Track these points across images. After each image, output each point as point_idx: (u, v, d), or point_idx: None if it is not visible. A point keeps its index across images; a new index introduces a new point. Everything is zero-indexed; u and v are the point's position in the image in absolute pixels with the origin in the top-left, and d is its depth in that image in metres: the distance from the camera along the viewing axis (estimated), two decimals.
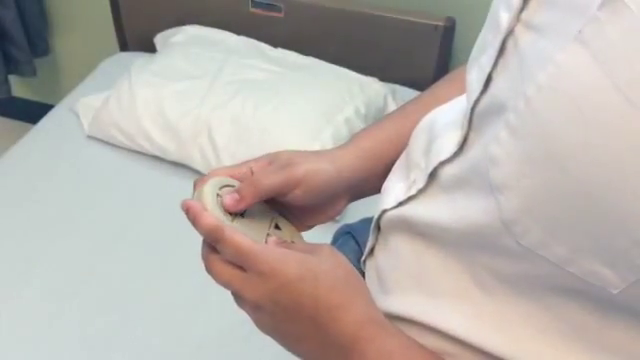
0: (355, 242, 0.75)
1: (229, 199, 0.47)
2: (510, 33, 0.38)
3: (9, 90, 1.81)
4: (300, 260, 0.44)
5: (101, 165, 1.42)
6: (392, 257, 0.50)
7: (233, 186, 0.50)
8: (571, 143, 0.31)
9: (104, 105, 1.43)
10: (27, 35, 1.78)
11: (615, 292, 0.32)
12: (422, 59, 1.56)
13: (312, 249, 0.46)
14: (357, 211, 0.53)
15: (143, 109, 1.38)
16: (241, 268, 0.44)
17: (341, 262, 0.46)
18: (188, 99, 1.38)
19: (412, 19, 1.52)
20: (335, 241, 0.79)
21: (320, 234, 0.63)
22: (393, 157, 0.56)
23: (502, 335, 0.40)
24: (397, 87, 1.54)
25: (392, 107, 1.45)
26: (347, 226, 0.79)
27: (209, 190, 0.48)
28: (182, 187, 1.34)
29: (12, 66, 1.80)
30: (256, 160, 0.52)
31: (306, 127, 1.32)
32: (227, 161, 1.34)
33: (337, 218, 0.57)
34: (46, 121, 1.54)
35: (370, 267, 0.55)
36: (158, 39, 1.67)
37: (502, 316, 0.40)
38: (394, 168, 0.55)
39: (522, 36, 0.37)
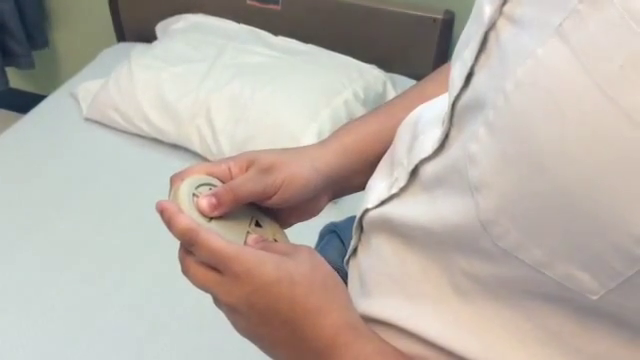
0: (340, 241, 0.74)
1: (206, 203, 0.46)
2: (492, 26, 0.37)
3: (7, 82, 1.80)
4: (276, 262, 0.43)
5: (99, 147, 1.42)
6: (373, 258, 0.49)
7: (211, 184, 0.49)
8: (548, 140, 0.30)
9: (103, 87, 1.43)
10: (25, 28, 1.78)
11: (594, 298, 0.31)
12: (421, 52, 1.56)
13: (291, 250, 0.45)
14: (347, 207, 0.52)
15: (142, 91, 1.38)
16: (217, 270, 0.43)
17: (319, 265, 0.45)
18: (187, 81, 1.38)
19: (411, 12, 1.52)
20: (321, 239, 0.78)
21: (306, 231, 0.63)
22: (377, 153, 0.55)
23: (480, 341, 0.39)
24: (396, 76, 1.54)
25: (391, 93, 1.45)
26: (333, 224, 0.78)
27: (185, 190, 0.47)
28: (179, 169, 1.35)
29: (10, 59, 1.80)
30: (235, 160, 0.51)
31: (304, 108, 1.32)
32: (225, 143, 1.33)
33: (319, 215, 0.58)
34: (44, 105, 1.54)
35: (353, 268, 0.54)
36: (159, 27, 1.67)
37: (480, 322, 0.39)
38: (379, 165, 0.53)
39: (504, 30, 0.36)
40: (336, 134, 0.58)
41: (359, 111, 1.35)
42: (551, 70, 0.30)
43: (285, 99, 1.33)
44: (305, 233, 0.64)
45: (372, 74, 1.44)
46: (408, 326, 0.43)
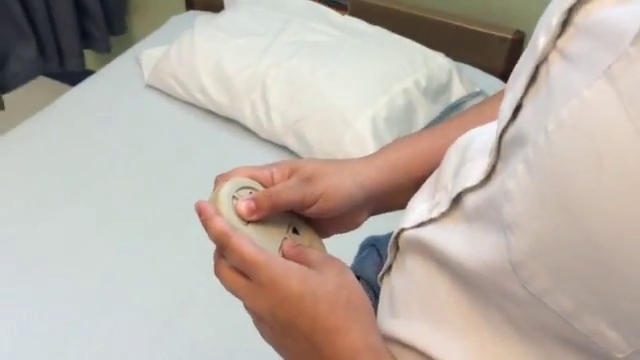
0: (378, 255, 0.74)
1: (244, 207, 0.47)
2: (545, 59, 0.36)
3: (83, 64, 1.87)
4: (302, 276, 0.43)
5: (155, 114, 1.43)
6: (406, 279, 0.49)
7: (252, 188, 0.50)
8: (584, 188, 0.28)
9: (165, 55, 1.44)
10: (105, 14, 1.86)
11: (620, 357, 0.30)
12: (487, 71, 1.53)
13: (322, 262, 0.46)
14: (392, 222, 0.53)
15: (201, 61, 1.38)
16: (246, 277, 0.44)
17: (346, 283, 0.45)
18: (246, 55, 1.36)
19: (480, 29, 1.49)
20: (361, 251, 0.78)
21: (347, 241, 0.63)
22: (424, 173, 0.54)
23: None
24: (464, 66, 1.47)
25: (457, 85, 1.38)
26: (373, 238, 0.77)
27: (226, 192, 0.48)
28: (231, 142, 1.36)
29: (88, 41, 1.88)
30: (278, 166, 0.52)
31: (360, 93, 1.28)
32: (277, 120, 1.31)
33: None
34: (109, 68, 1.57)
35: (385, 285, 0.53)
36: None
37: (504, 356, 0.38)
38: (424, 185, 0.52)
39: (554, 64, 0.35)
40: (384, 149, 0.58)
41: (419, 101, 1.31)
42: (595, 114, 0.29)
43: (342, 82, 1.29)
44: (346, 243, 0.63)
45: (437, 62, 1.37)
46: (430, 351, 0.43)
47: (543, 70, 0.36)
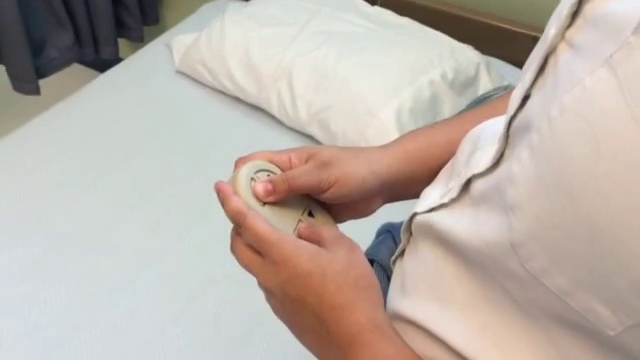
0: (393, 241, 0.75)
1: (261, 188, 0.49)
2: (553, 50, 0.37)
3: (117, 52, 1.92)
4: (312, 255, 0.45)
5: (184, 100, 1.45)
6: (417, 261, 0.50)
7: (270, 171, 0.52)
8: (582, 170, 0.30)
9: (195, 42, 1.46)
10: (140, 4, 1.91)
11: (612, 334, 0.31)
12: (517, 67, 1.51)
13: (333, 241, 0.47)
14: (407, 209, 0.54)
15: (230, 49, 1.40)
16: (260, 254, 0.46)
17: (355, 262, 0.47)
18: (274, 44, 1.38)
19: (511, 27, 1.49)
20: (377, 237, 0.80)
21: (364, 228, 0.65)
22: (438, 163, 0.55)
23: (500, 353, 0.39)
24: (494, 60, 1.45)
25: (485, 78, 1.37)
26: (389, 224, 0.80)
27: (244, 174, 0.50)
28: (256, 130, 1.37)
29: (122, 30, 1.92)
30: (296, 151, 0.54)
31: (386, 84, 1.28)
32: (302, 109, 1.32)
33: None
34: (141, 54, 1.60)
35: (397, 268, 0.55)
36: None
37: (504, 334, 0.39)
38: (439, 174, 0.53)
39: (562, 54, 0.36)
40: (401, 139, 0.59)
41: (445, 93, 1.30)
42: (595, 100, 0.30)
43: (367, 72, 1.30)
44: (364, 230, 0.65)
45: (466, 55, 1.37)
46: (434, 328, 0.44)
47: (552, 60, 0.37)
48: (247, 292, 1.03)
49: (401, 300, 0.49)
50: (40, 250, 1.11)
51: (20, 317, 1.00)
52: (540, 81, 0.38)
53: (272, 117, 1.39)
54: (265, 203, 0.50)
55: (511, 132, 0.41)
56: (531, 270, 0.34)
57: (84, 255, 1.11)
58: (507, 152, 0.41)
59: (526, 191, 0.34)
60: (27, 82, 1.68)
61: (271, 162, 0.53)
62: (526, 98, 0.39)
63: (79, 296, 1.05)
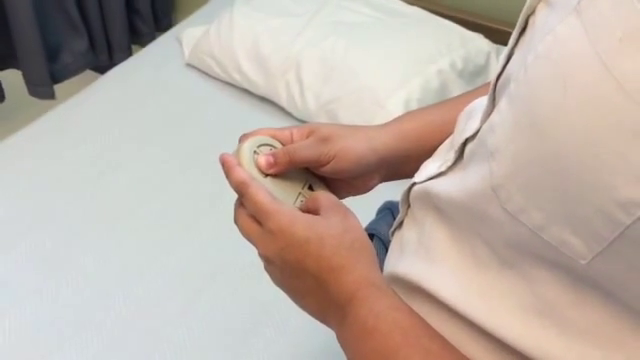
0: (393, 217, 0.78)
1: (264, 160, 0.52)
2: (533, 11, 0.40)
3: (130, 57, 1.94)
4: (308, 223, 0.47)
5: (194, 93, 1.46)
6: (414, 229, 0.52)
7: (272, 146, 0.55)
8: (551, 108, 0.32)
9: (204, 35, 1.46)
10: (153, 10, 1.94)
11: (583, 263, 0.33)
12: None
13: (329, 207, 0.50)
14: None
15: (239, 41, 1.40)
16: (260, 223, 0.49)
17: (350, 227, 0.49)
18: (282, 36, 1.38)
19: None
20: (378, 214, 0.83)
21: (365, 207, 0.67)
22: (435, 141, 0.57)
23: (486, 307, 0.41)
24: (504, 48, 1.41)
25: (495, 67, 1.34)
26: (389, 202, 0.82)
27: (248, 146, 0.53)
28: (265, 122, 1.36)
29: (135, 37, 1.95)
30: (298, 128, 0.57)
31: (394, 74, 1.27)
32: (311, 100, 1.32)
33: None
34: (152, 47, 1.61)
35: (396, 238, 0.57)
36: None
37: (490, 290, 0.42)
38: (439, 149, 0.55)
39: (539, 13, 0.39)
40: (399, 118, 0.62)
41: (454, 82, 1.29)
42: (564, 44, 0.32)
43: (376, 63, 1.29)
44: (365, 208, 0.67)
45: (475, 44, 1.35)
46: (426, 285, 0.46)
47: (530, 20, 0.40)
48: (255, 283, 1.04)
49: (397, 263, 0.52)
50: (51, 243, 1.12)
51: (31, 310, 1.01)
52: (521, 41, 0.41)
53: (281, 109, 1.39)
54: (267, 175, 0.52)
55: (497, 90, 0.43)
56: (510, 210, 0.36)
57: (95, 247, 1.12)
58: (493, 111, 0.43)
59: (504, 135, 0.36)
60: (42, 86, 1.71)
61: (274, 137, 0.55)
62: (509, 59, 0.42)
63: (89, 289, 1.05)
